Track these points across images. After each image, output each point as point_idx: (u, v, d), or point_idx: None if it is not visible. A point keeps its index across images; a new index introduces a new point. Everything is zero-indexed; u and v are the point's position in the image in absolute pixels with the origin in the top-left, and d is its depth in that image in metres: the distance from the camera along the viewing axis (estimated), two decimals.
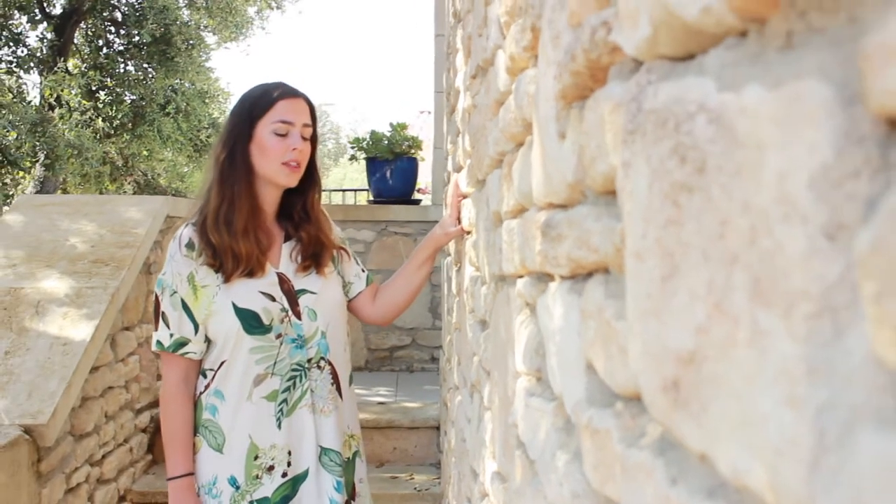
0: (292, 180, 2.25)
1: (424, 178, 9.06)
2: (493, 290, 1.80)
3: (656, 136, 0.59)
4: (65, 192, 12.25)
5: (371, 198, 6.97)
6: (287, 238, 2.34)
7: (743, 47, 0.50)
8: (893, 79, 0.33)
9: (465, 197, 2.51)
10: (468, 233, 2.40)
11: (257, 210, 2.26)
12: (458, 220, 2.54)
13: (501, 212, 1.62)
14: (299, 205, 2.36)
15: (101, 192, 12.24)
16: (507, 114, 1.50)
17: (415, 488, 4.37)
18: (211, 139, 13.02)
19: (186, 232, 2.25)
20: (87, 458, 3.77)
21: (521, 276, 1.40)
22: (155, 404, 4.72)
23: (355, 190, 11.58)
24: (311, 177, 2.37)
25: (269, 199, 2.30)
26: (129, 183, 13.27)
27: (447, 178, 4.05)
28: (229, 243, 2.18)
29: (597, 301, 0.82)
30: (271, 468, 2.22)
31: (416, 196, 7.29)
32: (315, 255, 2.33)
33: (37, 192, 11.03)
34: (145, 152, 12.60)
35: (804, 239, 0.39)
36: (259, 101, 2.25)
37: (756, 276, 0.43)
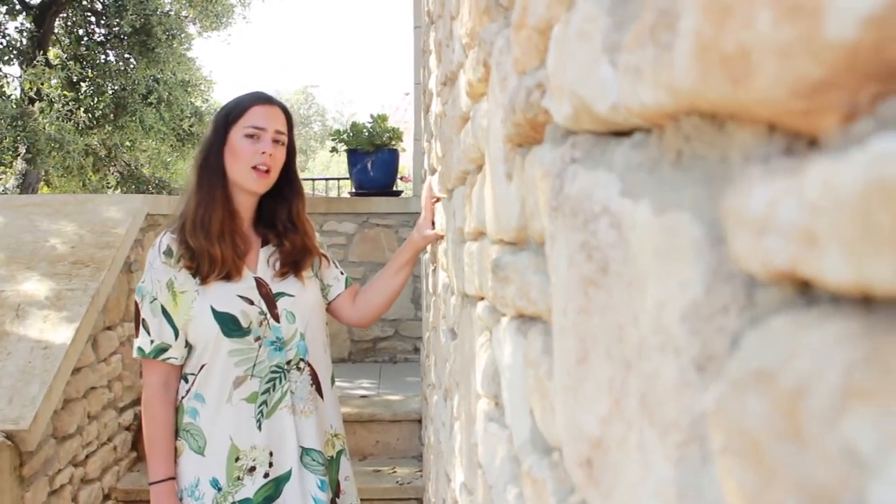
0: (261, 186, 2.28)
1: (407, 165, 9.05)
2: (461, 303, 1.82)
3: (571, 224, 0.62)
4: (48, 183, 12.22)
5: (352, 190, 6.98)
6: (264, 243, 2.37)
7: (646, 149, 0.52)
8: (745, 245, 0.36)
9: (438, 200, 2.53)
10: (441, 237, 2.43)
11: (233, 215, 2.29)
12: (433, 223, 2.56)
13: (464, 231, 1.64)
14: (284, 214, 2.38)
15: (84, 184, 12.21)
16: (467, 138, 1.52)
17: (397, 482, 4.41)
18: (194, 128, 12.98)
19: (165, 239, 2.28)
20: (71, 460, 3.79)
21: (481, 299, 1.42)
22: (138, 401, 4.73)
23: (338, 179, 11.55)
24: (292, 186, 2.40)
25: (245, 205, 2.33)
26: (112, 174, 13.23)
27: (424, 176, 4.07)
28: (206, 247, 2.21)
29: (535, 352, 0.85)
30: (252, 469, 2.25)
31: (399, 184, 7.30)
32: (295, 263, 2.36)
33: (18, 186, 11.01)
34: (128, 143, 12.56)
35: (677, 370, 0.41)
36: (234, 109, 2.30)
37: (643, 392, 0.46)
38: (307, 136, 47.56)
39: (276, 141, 2.28)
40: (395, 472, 4.55)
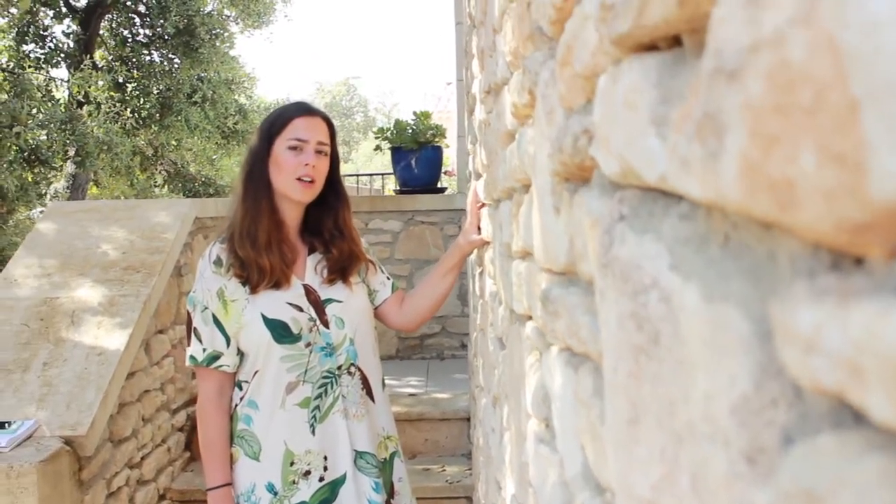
0: (306, 196, 2.31)
1: (451, 157, 9.05)
2: (509, 317, 1.83)
3: (621, 289, 0.63)
4: (96, 184, 12.40)
5: (397, 187, 7.00)
6: (311, 251, 2.40)
7: (694, 223, 0.53)
8: (793, 359, 0.37)
9: (484, 206, 2.55)
10: (487, 243, 2.44)
11: (280, 224, 2.33)
12: (479, 228, 2.58)
13: (511, 247, 1.65)
14: (331, 221, 2.42)
15: (132, 184, 12.38)
16: (513, 159, 1.53)
17: (447, 480, 4.44)
18: (238, 126, 13.11)
19: (215, 249, 2.33)
20: (127, 462, 3.86)
21: (529, 318, 1.43)
22: (191, 402, 4.81)
23: (382, 174, 11.59)
24: (337, 194, 2.44)
25: (291, 215, 2.37)
26: (159, 172, 13.40)
27: (468, 177, 4.07)
28: (254, 257, 2.25)
29: (586, 393, 0.86)
30: (307, 473, 2.28)
31: (443, 179, 7.31)
32: (342, 269, 2.39)
33: (68, 188, 11.18)
34: (174, 142, 12.71)
35: (726, 461, 0.43)
36: (277, 121, 2.34)
37: (694, 473, 0.48)
38: (350, 127, 47.84)
39: (318, 152, 2.31)
40: (444, 470, 4.58)
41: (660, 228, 0.59)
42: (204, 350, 2.29)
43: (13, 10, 8.46)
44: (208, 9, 12.04)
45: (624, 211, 0.68)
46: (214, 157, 14.06)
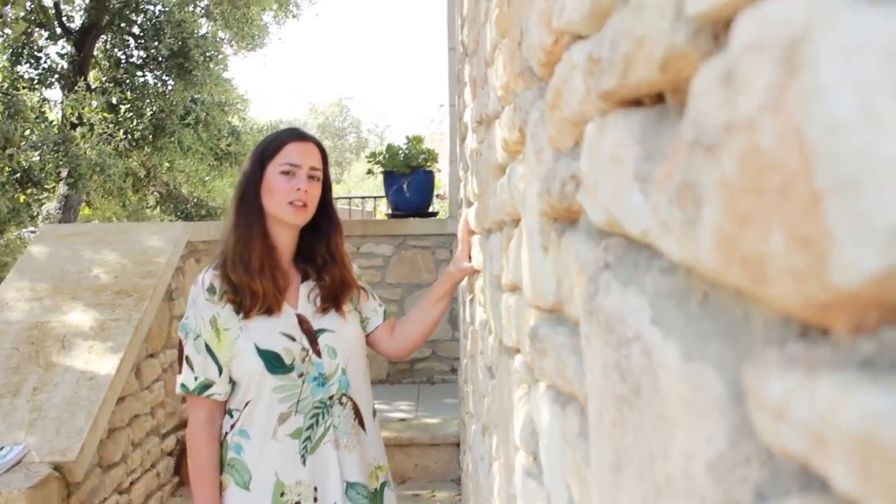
0: (299, 219, 2.31)
1: (442, 179, 9.08)
2: (498, 348, 1.84)
3: (605, 338, 0.65)
4: (89, 205, 12.39)
5: (389, 211, 7.03)
6: (304, 279, 2.41)
7: (675, 277, 0.55)
8: (763, 424, 0.38)
9: (475, 233, 2.56)
10: (478, 271, 2.45)
11: (272, 250, 2.33)
12: (470, 256, 2.59)
13: (501, 280, 1.66)
14: (323, 247, 2.42)
15: (124, 205, 12.38)
16: (503, 193, 1.55)
17: None
18: (231, 147, 13.13)
19: (207, 276, 2.32)
20: (116, 487, 3.86)
21: (518, 351, 1.44)
22: (181, 426, 4.80)
23: (375, 197, 11.61)
24: (330, 220, 2.44)
25: (284, 240, 2.37)
26: (151, 194, 13.40)
27: (460, 204, 4.09)
28: (247, 281, 2.25)
29: (572, 433, 0.87)
30: None
31: (435, 203, 7.33)
32: (335, 297, 2.39)
33: (60, 209, 11.17)
34: (167, 164, 12.72)
35: None
36: (269, 146, 2.34)
37: None
38: (342, 148, 47.89)
39: (311, 177, 2.32)
40: (434, 496, 4.58)
41: (643, 281, 0.60)
42: (196, 378, 2.28)
43: (7, 31, 8.48)
44: (202, 31, 12.10)
45: (609, 259, 0.69)
46: (207, 178, 14.06)
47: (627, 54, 0.59)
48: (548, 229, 1.03)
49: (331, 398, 2.32)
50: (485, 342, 2.24)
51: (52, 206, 11.36)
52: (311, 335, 2.32)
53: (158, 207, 13.72)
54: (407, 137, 6.79)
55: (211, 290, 2.29)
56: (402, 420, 5.32)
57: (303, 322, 2.33)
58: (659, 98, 0.60)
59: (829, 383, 0.33)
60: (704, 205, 0.41)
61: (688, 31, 0.48)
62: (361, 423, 2.40)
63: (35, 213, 10.63)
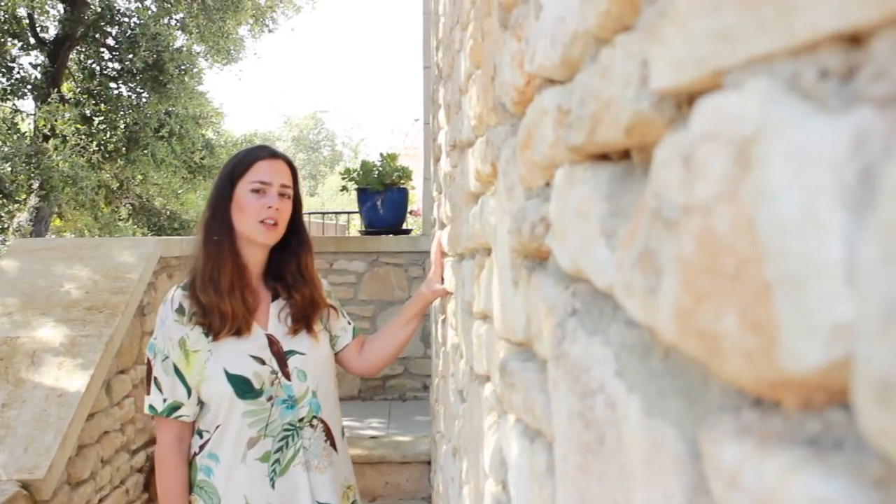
0: (270, 238, 2.31)
1: (416, 193, 9.11)
2: (469, 373, 1.85)
3: (571, 385, 0.66)
4: (60, 216, 12.31)
5: (362, 228, 7.04)
6: (274, 297, 2.40)
7: (639, 331, 0.57)
8: (718, 489, 0.40)
9: (447, 255, 2.57)
10: (450, 293, 2.46)
11: (242, 269, 2.32)
12: (443, 278, 2.60)
13: (473, 307, 1.67)
14: (293, 266, 2.41)
15: (96, 217, 12.31)
16: (476, 223, 1.56)
17: None
18: (205, 161, 13.11)
19: (177, 296, 2.30)
20: None
21: (488, 379, 1.45)
22: (150, 443, 4.78)
23: (349, 213, 11.62)
24: (300, 238, 2.43)
25: (254, 259, 2.36)
26: (123, 206, 13.34)
27: (434, 223, 4.11)
28: (216, 302, 2.23)
29: (540, 468, 0.89)
30: None
31: (409, 220, 7.35)
32: (306, 316, 2.39)
33: (31, 221, 11.09)
34: (140, 176, 12.68)
35: None
36: (239, 164, 2.32)
37: None
38: (316, 161, 47.86)
39: (281, 195, 2.31)
40: None
41: (608, 331, 0.62)
42: (164, 400, 2.27)
43: None
44: (178, 44, 12.07)
45: (576, 305, 0.71)
46: (180, 191, 14.02)
47: (595, 114, 0.61)
48: (518, 265, 1.04)
49: (300, 420, 2.31)
50: (456, 365, 2.25)
51: (23, 217, 11.28)
52: (281, 357, 2.32)
53: (131, 220, 13.66)
54: (381, 155, 6.81)
55: (180, 310, 2.27)
56: (374, 437, 5.31)
57: (273, 343, 2.32)
58: (626, 153, 0.62)
59: (778, 458, 0.34)
60: (664, 276, 0.43)
61: (652, 100, 0.50)
62: (333, 444, 2.40)
63: (6, 226, 10.55)
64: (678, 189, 0.41)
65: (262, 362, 2.27)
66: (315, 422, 2.34)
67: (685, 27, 0.42)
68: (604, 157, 0.66)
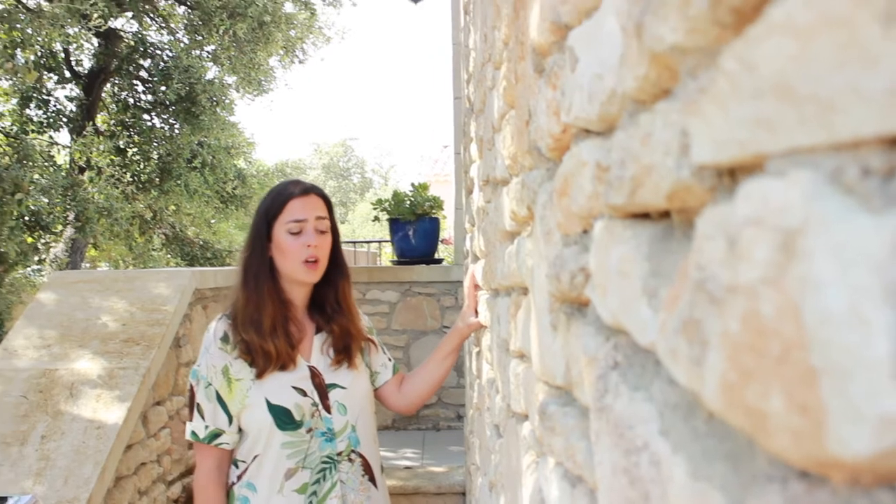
0: (313, 277, 2.34)
1: (448, 220, 9.12)
2: (506, 409, 1.85)
3: (615, 441, 0.67)
4: (95, 247, 12.44)
5: (394, 258, 7.07)
6: (318, 330, 2.42)
7: (682, 389, 0.58)
8: None
9: (480, 289, 2.58)
10: (485, 327, 2.47)
11: (286, 305, 2.35)
12: (477, 311, 2.60)
13: (509, 345, 1.68)
14: (332, 296, 2.44)
15: (130, 248, 12.45)
16: (512, 262, 1.57)
17: None
18: (237, 190, 13.22)
19: (221, 325, 2.34)
20: None
21: (526, 418, 1.45)
22: (186, 473, 4.81)
23: (380, 241, 11.66)
24: (339, 268, 2.46)
25: (298, 294, 2.39)
26: (157, 236, 13.46)
27: (466, 254, 4.12)
28: (259, 343, 2.26)
29: None
30: None
31: (440, 248, 7.37)
32: (346, 348, 2.41)
33: (67, 252, 11.23)
34: (173, 206, 12.80)
35: None
36: (273, 203, 2.36)
37: None
38: (346, 188, 48.10)
39: (319, 231, 2.34)
40: None
41: (651, 388, 0.63)
42: (206, 427, 2.30)
43: (20, 77, 8.59)
44: (210, 76, 12.21)
45: (618, 358, 0.72)
46: (213, 220, 14.14)
47: (635, 177, 0.62)
48: (557, 309, 1.05)
49: (339, 454, 2.33)
50: (492, 400, 2.25)
51: (59, 248, 11.42)
52: (323, 390, 2.34)
53: (164, 249, 13.79)
54: (412, 184, 6.85)
55: (224, 339, 2.31)
56: (408, 468, 5.31)
57: (315, 375, 2.34)
58: (665, 212, 0.63)
59: None
60: (710, 350, 0.44)
61: (692, 168, 0.51)
62: (372, 480, 2.41)
63: (43, 257, 10.70)
64: (722, 267, 0.42)
65: (304, 394, 2.30)
66: (353, 456, 2.36)
67: (725, 108, 0.43)
68: (643, 214, 0.67)
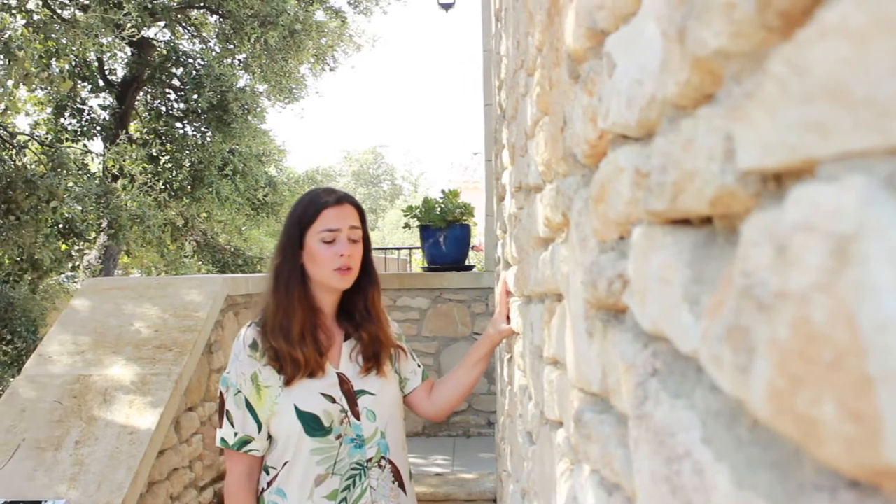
0: (345, 283, 2.34)
1: (478, 225, 9.12)
2: (539, 416, 1.84)
3: (656, 449, 0.67)
4: (127, 253, 12.55)
5: (425, 265, 7.07)
6: (347, 337, 2.43)
7: (724, 397, 0.57)
8: None
9: (512, 295, 2.57)
10: (517, 333, 2.46)
11: (315, 312, 2.35)
12: (508, 318, 2.60)
13: (543, 352, 1.67)
14: (361, 304, 2.45)
15: (161, 254, 12.54)
16: (546, 269, 1.56)
17: None
18: (268, 198, 13.29)
19: (250, 332, 2.34)
20: None
21: (560, 425, 1.45)
22: (218, 479, 4.83)
23: (410, 248, 11.68)
24: (369, 276, 2.46)
25: (328, 301, 2.39)
26: (189, 243, 13.56)
27: (497, 261, 4.11)
28: (287, 350, 2.27)
29: None
30: None
31: (471, 255, 7.37)
32: (375, 355, 2.41)
33: (100, 259, 11.33)
34: (204, 214, 12.89)
35: None
36: (307, 211, 2.36)
37: None
38: (377, 195, 48.24)
39: (352, 240, 2.34)
40: None
41: (692, 395, 0.62)
42: (235, 434, 2.30)
43: (55, 86, 8.69)
44: (241, 84, 12.29)
45: (657, 365, 0.71)
46: (244, 228, 14.22)
47: (677, 183, 0.62)
48: (592, 316, 1.04)
49: (368, 461, 2.33)
50: (524, 406, 2.24)
51: (92, 255, 11.53)
52: (351, 396, 2.34)
53: (196, 256, 13.88)
54: (443, 191, 6.85)
55: (253, 346, 2.31)
56: (439, 475, 5.31)
57: (343, 382, 2.34)
58: (706, 218, 0.63)
59: None
60: (757, 357, 0.44)
61: (737, 173, 0.51)
62: (401, 486, 2.41)
63: (77, 264, 10.80)
64: (770, 273, 0.42)
65: (333, 400, 2.30)
66: (383, 462, 2.36)
67: (774, 112, 0.43)
68: (684, 220, 0.66)
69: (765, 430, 0.50)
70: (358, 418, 2.33)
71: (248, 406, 2.29)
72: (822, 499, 0.41)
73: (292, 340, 2.27)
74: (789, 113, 0.41)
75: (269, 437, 2.33)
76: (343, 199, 2.40)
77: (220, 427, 2.34)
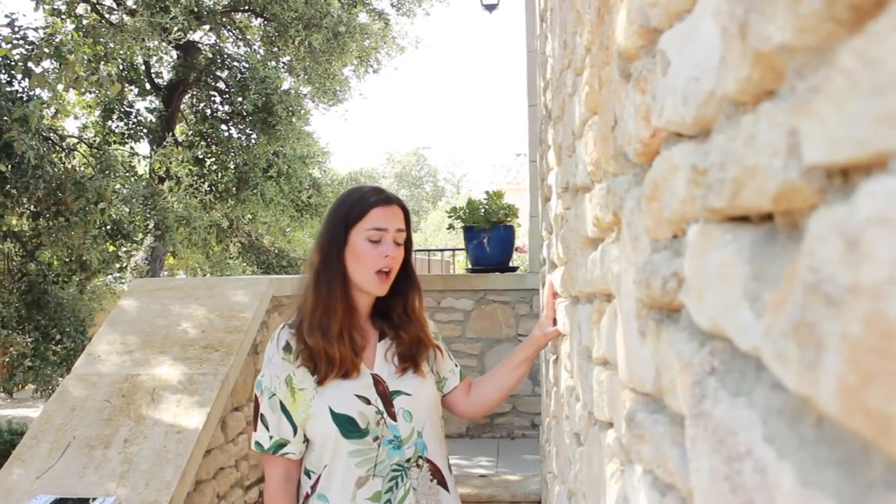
0: (382, 290, 2.32)
1: (522, 227, 9.11)
2: (587, 417, 1.83)
3: (715, 447, 0.66)
4: (173, 255, 12.70)
5: (469, 266, 7.07)
6: (381, 336, 2.42)
7: (786, 394, 0.57)
8: None
9: (558, 297, 2.56)
10: (564, 335, 2.45)
11: (352, 311, 2.34)
12: (555, 320, 2.58)
13: (592, 352, 1.66)
14: (400, 306, 2.43)
15: (207, 255, 12.68)
16: (595, 269, 1.56)
17: None
18: (312, 199, 13.38)
19: (283, 334, 2.34)
20: None
21: (610, 426, 1.44)
22: (263, 479, 4.86)
23: (454, 250, 11.69)
24: (409, 279, 2.45)
25: (364, 301, 2.37)
26: (234, 244, 13.68)
27: (542, 262, 4.10)
28: (324, 347, 2.25)
29: None
30: None
31: (515, 256, 7.36)
32: (413, 356, 2.40)
33: (146, 260, 11.48)
34: (249, 215, 13.00)
35: None
36: (354, 208, 2.33)
37: None
38: (419, 197, 48.35)
39: (396, 243, 2.33)
40: None
41: (752, 394, 0.62)
42: (270, 437, 2.29)
43: (104, 89, 8.81)
44: (285, 87, 12.38)
45: (715, 364, 0.71)
46: (288, 229, 14.32)
47: (737, 179, 0.61)
48: (645, 315, 1.03)
49: (407, 461, 2.32)
50: (571, 408, 2.23)
51: (139, 256, 11.67)
52: (386, 397, 2.32)
53: (240, 258, 14.01)
54: (487, 192, 6.85)
55: (287, 348, 2.31)
56: (483, 476, 5.31)
57: (378, 383, 2.33)
58: (767, 215, 0.62)
59: None
60: (827, 353, 0.43)
61: (801, 169, 0.50)
62: (442, 484, 2.40)
63: (124, 265, 10.94)
64: (840, 267, 0.42)
65: (368, 402, 2.28)
66: (421, 462, 2.34)
67: (842, 106, 0.42)
68: (743, 217, 0.66)
69: (830, 428, 0.49)
70: (394, 419, 2.31)
71: (283, 409, 2.28)
72: (894, 497, 0.41)
73: (330, 338, 2.25)
74: (859, 107, 0.40)
75: (306, 439, 2.32)
76: (392, 199, 2.38)
77: (255, 431, 2.34)
